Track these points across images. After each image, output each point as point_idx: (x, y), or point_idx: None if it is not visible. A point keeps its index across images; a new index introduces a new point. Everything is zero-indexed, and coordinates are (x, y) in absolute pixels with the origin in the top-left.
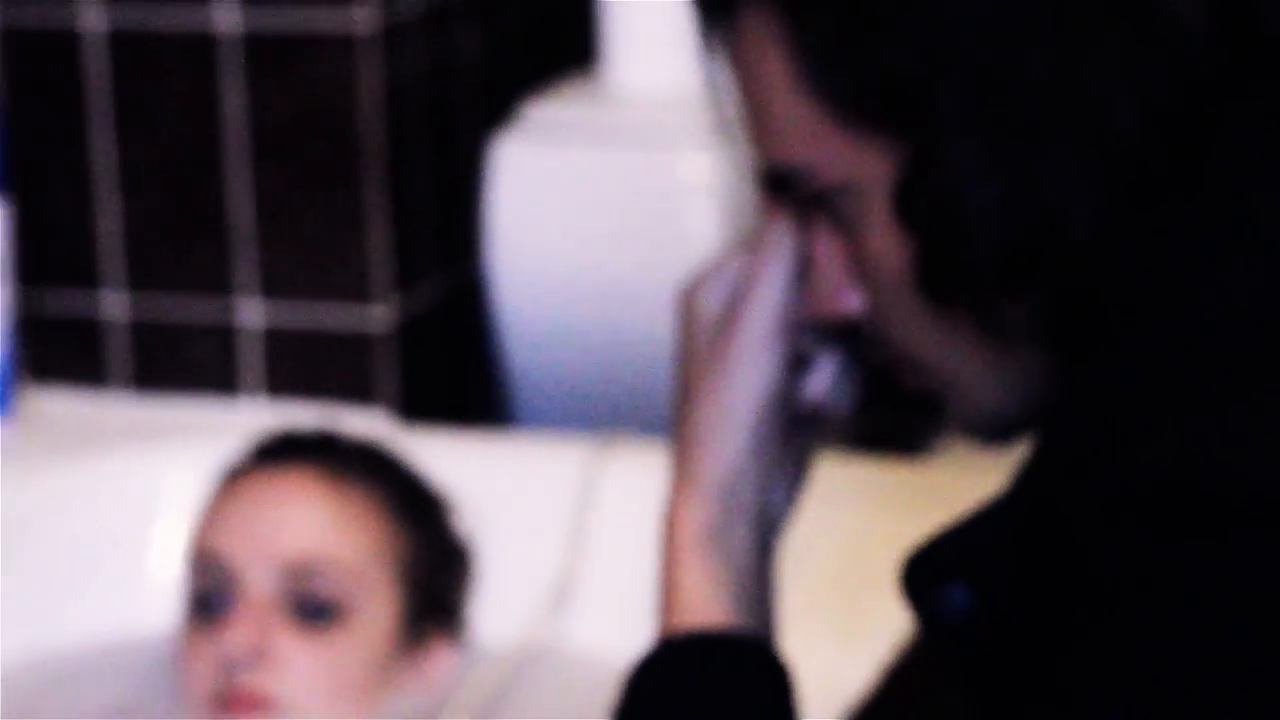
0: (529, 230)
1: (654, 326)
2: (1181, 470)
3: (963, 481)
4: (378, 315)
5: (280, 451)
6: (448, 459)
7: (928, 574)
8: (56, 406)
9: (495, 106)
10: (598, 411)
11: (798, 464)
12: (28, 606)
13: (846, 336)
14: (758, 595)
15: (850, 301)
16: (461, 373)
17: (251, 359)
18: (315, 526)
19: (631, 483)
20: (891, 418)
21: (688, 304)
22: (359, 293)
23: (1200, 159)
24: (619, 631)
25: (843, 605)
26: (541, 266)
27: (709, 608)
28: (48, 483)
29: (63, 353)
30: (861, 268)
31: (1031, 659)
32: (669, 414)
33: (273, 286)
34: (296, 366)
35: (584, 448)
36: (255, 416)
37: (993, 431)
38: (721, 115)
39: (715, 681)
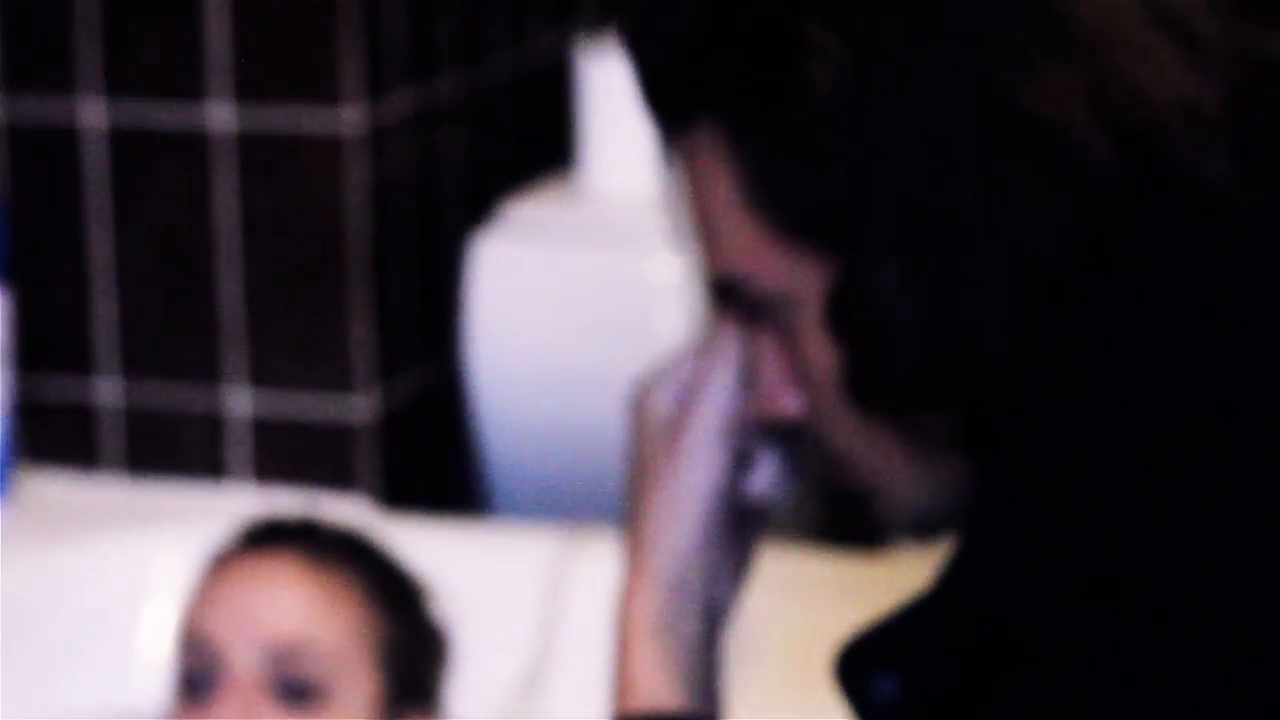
0: (507, 325)
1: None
2: (1100, 564)
3: (921, 576)
4: (360, 406)
5: (265, 537)
6: (426, 546)
7: (860, 664)
8: (51, 489)
9: (477, 206)
10: (572, 500)
11: (743, 555)
12: (21, 684)
13: (787, 436)
14: (706, 681)
15: (789, 403)
16: (440, 462)
17: (239, 446)
18: (298, 610)
19: (600, 571)
20: (855, 515)
21: (640, 404)
22: (342, 384)
23: (1111, 280)
24: (588, 713)
25: (802, 693)
26: (519, 361)
27: (660, 692)
28: (42, 563)
29: (58, 437)
30: (799, 372)
31: None
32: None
33: (260, 376)
34: (282, 453)
35: (555, 537)
36: (242, 501)
37: (916, 529)
38: (681, 222)
39: None
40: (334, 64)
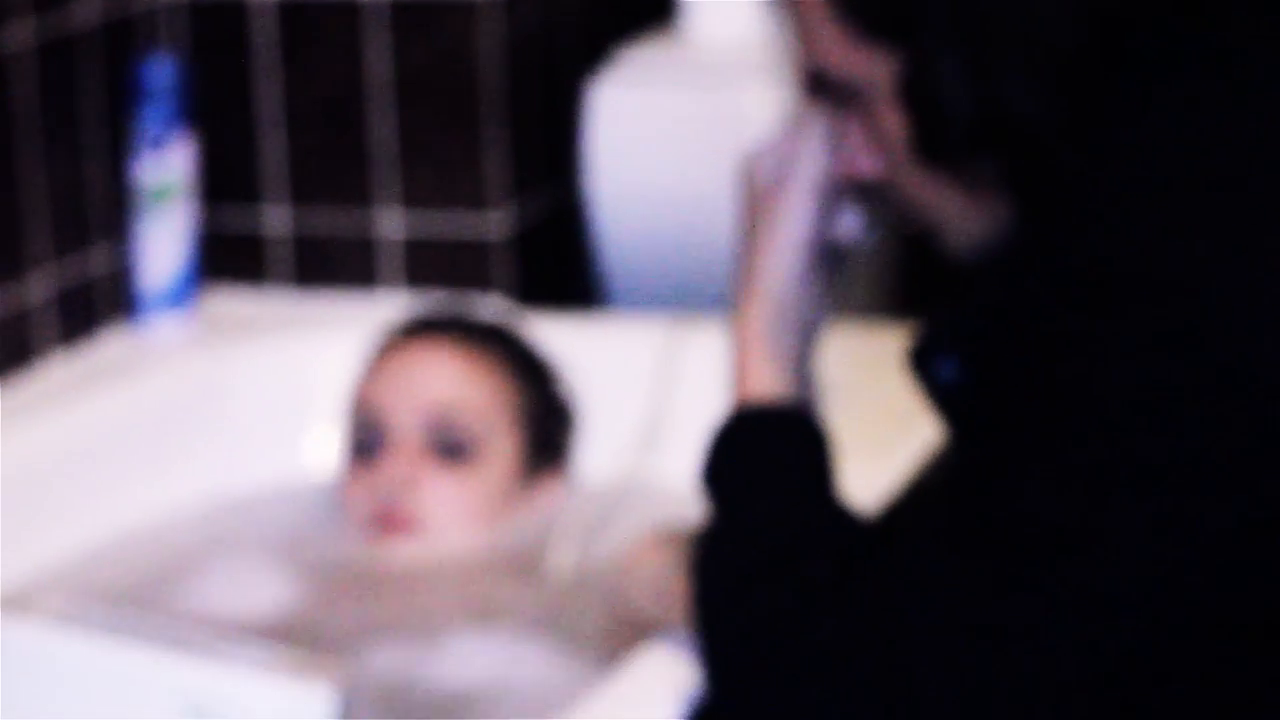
0: (622, 155)
1: (725, 235)
2: (1097, 259)
3: None
4: (496, 222)
5: (421, 325)
6: (556, 335)
7: (927, 351)
8: (229, 303)
9: (593, 55)
10: (677, 299)
11: (829, 288)
12: (208, 463)
13: (867, 192)
14: (802, 381)
15: (868, 164)
16: (567, 271)
17: (391, 260)
18: (450, 381)
19: (706, 353)
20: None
21: (748, 169)
22: (480, 204)
23: (1115, 69)
24: (695, 469)
25: (881, 437)
26: (632, 184)
27: (769, 384)
28: (223, 362)
29: (235, 258)
30: (876, 141)
31: (1004, 404)
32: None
33: (409, 200)
34: (429, 266)
35: (665, 326)
36: (394, 309)
37: (975, 254)
38: (779, 37)
39: (776, 442)
40: None
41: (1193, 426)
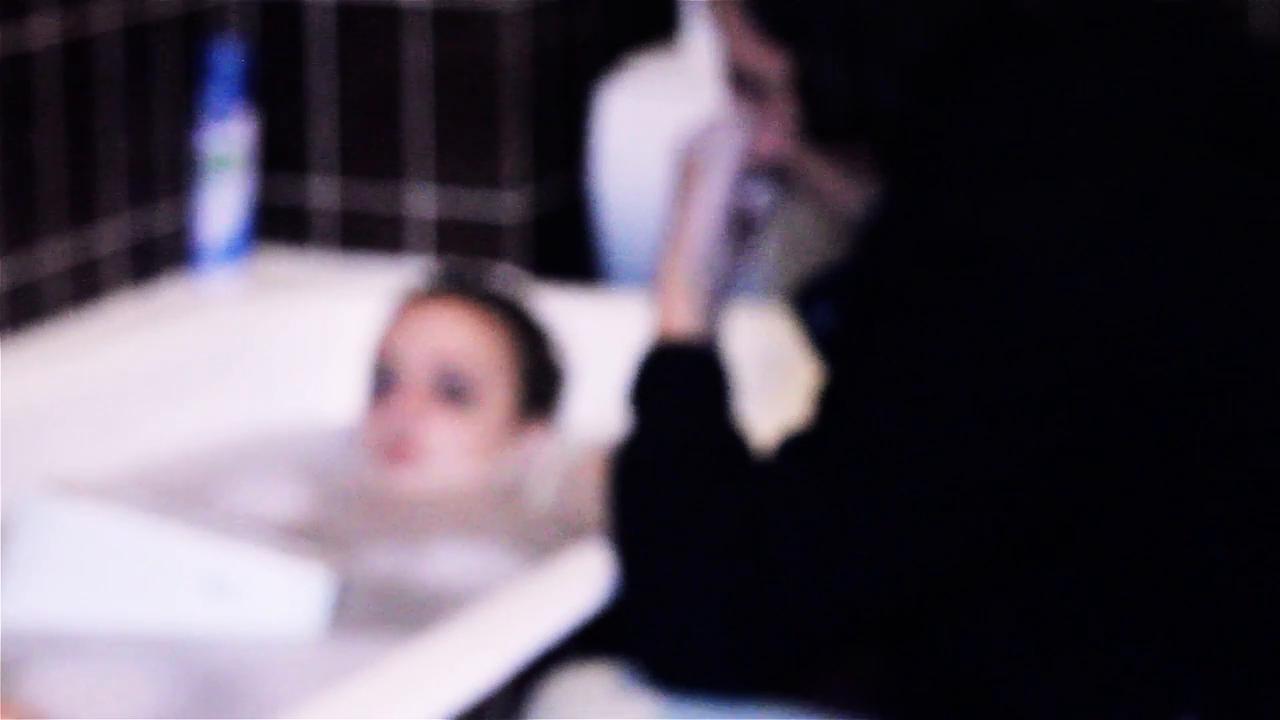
0: (625, 155)
1: None
2: (939, 223)
3: None
4: (513, 204)
5: (435, 286)
6: (560, 304)
7: (805, 298)
8: (277, 263)
9: (605, 63)
10: None
11: (742, 250)
12: (251, 397)
13: (773, 169)
14: (715, 327)
15: (771, 145)
16: (575, 252)
17: (421, 233)
18: (458, 331)
19: None
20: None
21: (683, 148)
22: (500, 187)
23: (965, 63)
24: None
25: (788, 393)
26: (633, 181)
27: (685, 324)
28: (269, 313)
29: (284, 223)
30: (780, 125)
31: (860, 341)
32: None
33: (439, 180)
34: (454, 239)
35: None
36: (420, 272)
37: (852, 220)
38: (714, 41)
39: (686, 372)
40: None
41: (1009, 361)
